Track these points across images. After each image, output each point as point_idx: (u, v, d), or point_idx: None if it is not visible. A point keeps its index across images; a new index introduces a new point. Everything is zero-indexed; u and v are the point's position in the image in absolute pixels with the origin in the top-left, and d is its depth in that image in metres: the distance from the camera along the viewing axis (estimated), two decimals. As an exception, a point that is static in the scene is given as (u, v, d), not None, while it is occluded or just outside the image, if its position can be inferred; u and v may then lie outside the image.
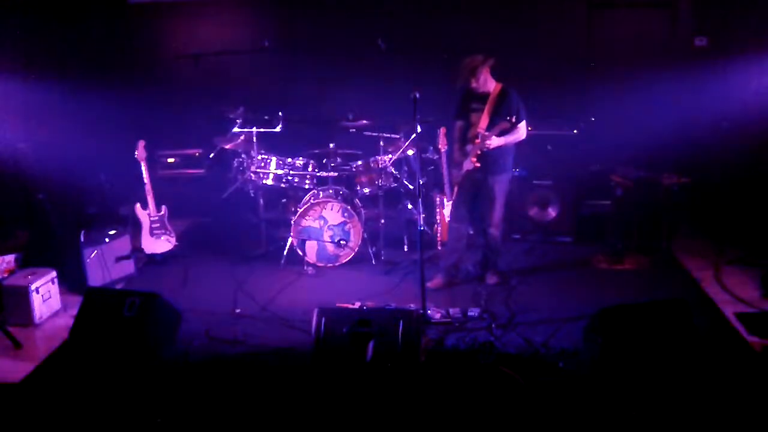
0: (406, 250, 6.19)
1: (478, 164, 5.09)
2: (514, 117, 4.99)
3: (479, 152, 5.05)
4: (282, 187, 6.16)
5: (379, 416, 3.68)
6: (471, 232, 5.69)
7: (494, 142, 5.01)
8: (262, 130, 6.03)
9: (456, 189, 5.32)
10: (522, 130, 5.12)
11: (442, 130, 5.76)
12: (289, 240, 5.91)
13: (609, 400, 3.69)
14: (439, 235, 6.01)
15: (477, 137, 5.05)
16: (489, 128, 5.04)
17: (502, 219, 5.38)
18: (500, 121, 5.02)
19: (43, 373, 4.27)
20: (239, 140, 6.13)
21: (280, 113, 6.01)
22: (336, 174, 6.15)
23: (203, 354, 4.40)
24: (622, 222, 6.06)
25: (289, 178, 6.03)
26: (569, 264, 5.89)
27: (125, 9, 7.44)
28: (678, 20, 7.05)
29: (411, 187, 6.00)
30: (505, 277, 5.51)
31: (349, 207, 5.80)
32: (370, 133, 6.23)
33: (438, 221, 6.02)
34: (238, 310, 5.02)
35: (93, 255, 5.46)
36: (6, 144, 6.08)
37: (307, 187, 6.10)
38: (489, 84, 5.08)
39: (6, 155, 6.06)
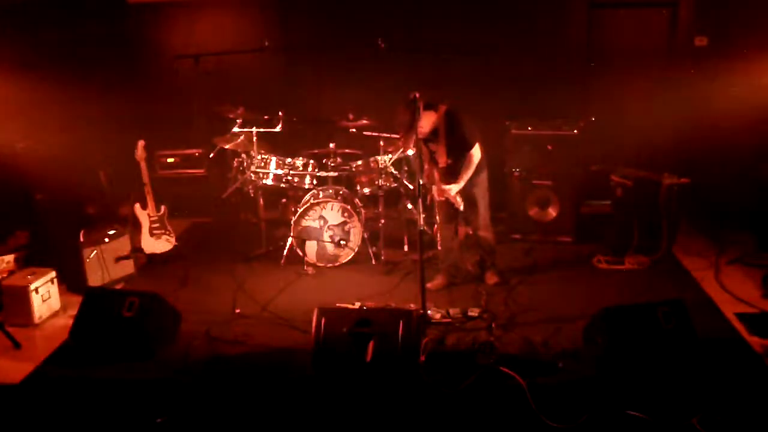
0: (406, 250, 6.18)
1: (443, 198, 5.10)
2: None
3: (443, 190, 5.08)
4: (282, 187, 6.16)
5: (379, 416, 3.68)
6: (470, 232, 5.69)
7: (457, 188, 5.03)
8: (262, 130, 6.03)
9: (437, 198, 5.30)
10: (476, 155, 5.08)
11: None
12: (289, 240, 5.91)
13: (609, 400, 3.68)
14: (438, 235, 6.00)
15: (441, 168, 5.07)
16: (448, 154, 5.02)
17: (491, 219, 5.38)
18: (455, 145, 5.00)
19: (43, 373, 4.27)
20: (239, 140, 6.13)
21: (280, 113, 6.01)
22: (336, 174, 6.15)
23: (203, 354, 4.40)
24: (622, 222, 6.06)
25: (289, 178, 6.03)
26: (569, 264, 5.88)
27: (125, 9, 7.44)
28: (678, 20, 7.05)
29: (411, 187, 6.00)
30: (505, 277, 5.50)
31: (349, 207, 5.80)
32: (370, 133, 6.22)
33: (438, 221, 6.01)
34: (238, 310, 5.01)
35: (93, 255, 5.46)
36: (6, 144, 6.07)
37: (307, 187, 6.10)
38: (430, 116, 4.96)
39: (6, 155, 6.05)
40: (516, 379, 3.86)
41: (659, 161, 6.34)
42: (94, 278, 5.45)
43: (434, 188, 5.17)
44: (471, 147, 5.04)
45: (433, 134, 5.06)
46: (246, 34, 7.33)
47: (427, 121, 4.93)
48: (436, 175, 5.15)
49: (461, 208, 5.08)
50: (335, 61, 7.15)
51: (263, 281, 5.63)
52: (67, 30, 6.82)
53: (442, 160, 5.07)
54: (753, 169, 6.16)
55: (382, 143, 6.12)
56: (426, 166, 5.23)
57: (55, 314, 5.08)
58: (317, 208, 5.81)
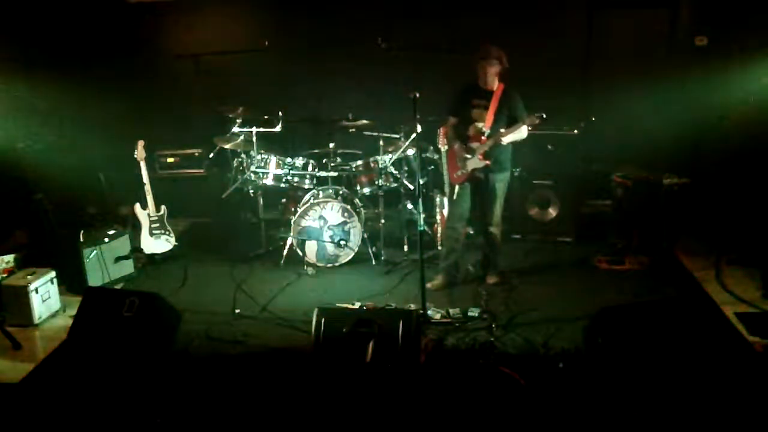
0: (406, 250, 6.18)
1: (488, 162, 5.08)
2: (543, 114, 4.96)
3: (488, 150, 5.04)
4: (282, 187, 6.16)
5: (379, 416, 3.68)
6: (471, 232, 5.69)
7: (507, 137, 5.02)
8: (261, 130, 6.03)
9: (456, 188, 5.30)
10: (525, 130, 5.14)
11: (443, 130, 5.76)
12: (289, 240, 5.91)
13: (609, 400, 3.68)
14: (439, 235, 6.01)
15: (482, 134, 5.04)
16: (493, 126, 5.04)
17: (502, 218, 5.38)
18: (503, 119, 5.04)
19: (43, 373, 4.27)
20: (239, 140, 6.13)
21: (280, 113, 6.01)
22: (336, 174, 6.15)
23: (203, 354, 4.40)
24: (622, 222, 6.06)
25: (289, 178, 6.03)
26: (569, 264, 5.88)
27: (125, 8, 7.44)
28: (678, 20, 7.04)
29: (411, 187, 6.00)
30: (505, 277, 5.50)
31: (349, 207, 5.80)
32: (370, 133, 6.22)
33: (438, 221, 6.02)
34: (238, 310, 5.02)
35: (93, 255, 5.46)
36: (6, 144, 6.07)
37: (307, 187, 6.10)
38: (495, 82, 5.09)
39: (6, 155, 6.05)
40: (516, 379, 3.86)
41: (659, 161, 6.34)
42: (94, 278, 5.45)
43: (471, 160, 5.09)
44: (523, 122, 5.04)
45: (485, 98, 5.07)
46: (246, 34, 7.33)
47: (494, 80, 5.06)
48: (474, 144, 5.10)
49: (504, 141, 5.03)
50: (335, 61, 7.14)
51: (263, 281, 5.63)
52: (67, 30, 6.82)
53: (487, 124, 5.05)
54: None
55: (382, 143, 6.12)
56: (456, 143, 5.20)
57: (55, 314, 5.07)
58: (317, 208, 5.81)
